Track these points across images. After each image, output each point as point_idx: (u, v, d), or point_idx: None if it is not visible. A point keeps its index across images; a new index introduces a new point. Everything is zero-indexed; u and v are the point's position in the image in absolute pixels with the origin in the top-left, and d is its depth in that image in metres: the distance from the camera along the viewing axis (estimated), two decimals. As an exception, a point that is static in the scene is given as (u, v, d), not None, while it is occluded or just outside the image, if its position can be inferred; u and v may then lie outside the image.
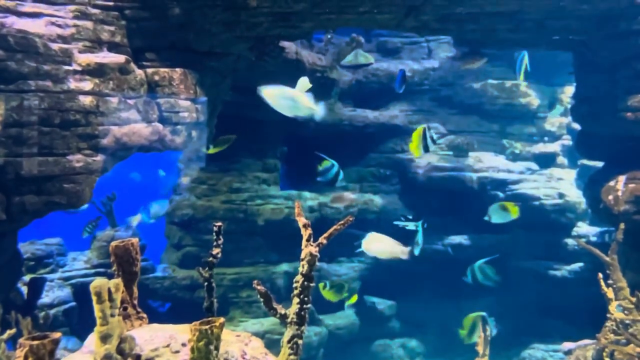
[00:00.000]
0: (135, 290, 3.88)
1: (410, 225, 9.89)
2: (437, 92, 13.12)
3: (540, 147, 12.67)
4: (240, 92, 9.87)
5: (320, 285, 9.42)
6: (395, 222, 10.18)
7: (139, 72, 7.18)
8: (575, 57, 9.69)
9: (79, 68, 6.55)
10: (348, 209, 11.71)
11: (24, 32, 6.22)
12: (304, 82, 7.82)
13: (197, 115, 7.74)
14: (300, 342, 3.52)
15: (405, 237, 8.63)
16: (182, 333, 3.49)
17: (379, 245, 8.05)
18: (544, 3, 7.83)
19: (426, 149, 8.67)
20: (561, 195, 11.44)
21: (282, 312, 3.60)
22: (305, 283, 3.52)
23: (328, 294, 9.47)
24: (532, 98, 12.86)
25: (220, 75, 8.66)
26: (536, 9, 7.98)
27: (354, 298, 10.06)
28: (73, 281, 10.00)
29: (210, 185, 11.40)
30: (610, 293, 6.39)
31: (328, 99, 12.08)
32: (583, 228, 11.48)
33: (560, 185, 11.77)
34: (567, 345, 8.38)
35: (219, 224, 4.21)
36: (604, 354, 6.43)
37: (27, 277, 9.20)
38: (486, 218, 9.66)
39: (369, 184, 12.58)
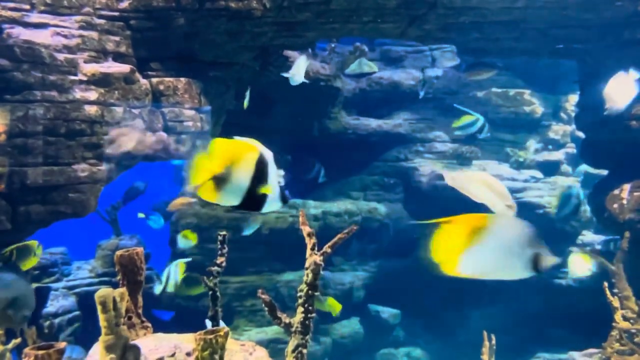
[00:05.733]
0: (140, 299, 3.88)
1: None
2: (441, 101, 13.11)
3: (545, 155, 12.65)
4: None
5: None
6: None
7: (144, 82, 7.22)
8: (579, 66, 9.69)
9: (84, 78, 6.59)
10: (352, 218, 11.70)
11: (30, 42, 6.27)
12: (302, 61, 7.95)
13: (201, 125, 7.77)
14: (304, 351, 3.52)
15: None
16: (187, 342, 3.49)
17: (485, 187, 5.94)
18: (547, 12, 7.85)
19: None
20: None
21: (287, 321, 3.59)
22: (310, 292, 3.52)
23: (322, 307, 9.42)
24: (536, 106, 12.85)
25: (225, 85, 8.70)
26: (540, 17, 8.00)
27: (338, 308, 9.94)
28: (77, 290, 9.99)
29: (214, 194, 11.40)
30: (615, 302, 6.36)
31: (331, 108, 12.13)
32: (588, 236, 11.44)
33: (564, 193, 11.73)
34: (573, 354, 8.34)
35: (224, 233, 4.21)
36: (610, 363, 6.40)
37: (32, 287, 9.21)
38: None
39: (372, 193, 12.58)
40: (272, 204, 2.77)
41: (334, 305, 9.33)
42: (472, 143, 12.34)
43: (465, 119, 9.23)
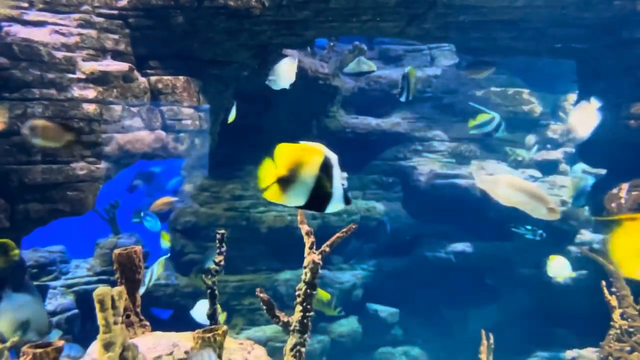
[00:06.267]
0: (138, 297, 3.88)
1: (529, 234, 9.90)
2: (440, 100, 13.12)
3: (543, 155, 12.66)
4: (243, 100, 9.90)
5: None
6: (514, 229, 10.18)
7: (143, 80, 7.21)
8: (578, 65, 9.70)
9: (82, 76, 6.59)
10: (351, 217, 11.71)
11: (28, 40, 6.27)
12: (285, 64, 7.38)
13: (200, 123, 7.77)
14: (303, 350, 3.52)
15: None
16: (185, 341, 3.50)
17: (513, 190, 5.44)
18: (546, 11, 7.86)
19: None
20: (564, 203, 11.42)
21: (285, 319, 3.60)
22: (308, 291, 3.53)
23: (317, 305, 9.42)
24: (535, 105, 12.86)
25: (224, 83, 8.69)
26: (538, 17, 8.00)
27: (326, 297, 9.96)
28: (76, 288, 9.99)
29: (212, 193, 11.40)
30: (613, 301, 6.37)
31: (330, 107, 12.13)
32: (586, 235, 11.44)
33: (563, 192, 11.74)
34: (571, 353, 8.35)
35: (222, 231, 4.22)
36: (608, 362, 6.40)
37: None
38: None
39: (371, 192, 12.58)
40: (335, 205, 2.87)
41: (322, 295, 9.34)
42: (483, 140, 12.34)
43: (481, 118, 9.22)
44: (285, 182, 2.75)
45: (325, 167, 2.79)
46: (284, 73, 7.19)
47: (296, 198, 2.79)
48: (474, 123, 9.16)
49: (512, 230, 10.10)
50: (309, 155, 2.79)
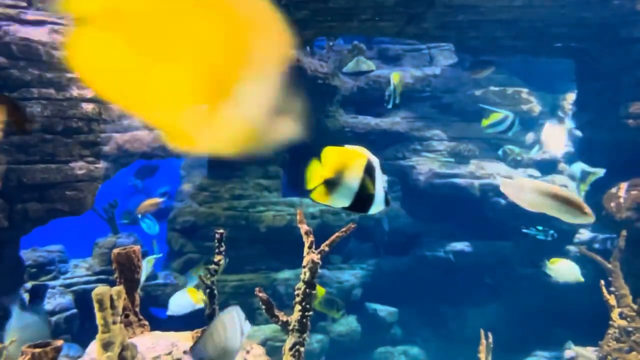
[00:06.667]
0: (137, 297, 3.88)
1: (540, 235, 9.89)
2: (439, 99, 13.13)
3: (542, 154, 12.67)
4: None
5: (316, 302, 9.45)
6: (524, 230, 10.18)
7: (142, 80, 7.21)
8: (576, 65, 9.70)
9: (81, 75, 6.58)
10: (350, 216, 11.71)
11: (27, 39, 6.26)
12: None
13: (199, 123, 7.76)
14: (302, 349, 3.52)
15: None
16: (184, 340, 3.50)
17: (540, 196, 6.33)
18: (545, 10, 7.86)
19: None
20: (563, 202, 11.42)
21: (284, 319, 3.60)
22: (307, 290, 3.53)
23: (320, 307, 9.46)
24: (534, 105, 12.86)
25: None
26: (537, 16, 8.01)
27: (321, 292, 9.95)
28: (75, 288, 9.98)
29: (212, 192, 11.40)
30: (612, 300, 6.38)
31: (329, 106, 12.13)
32: (585, 235, 11.46)
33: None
34: (570, 352, 8.36)
35: (221, 231, 4.22)
36: (607, 361, 6.41)
37: (29, 284, 9.20)
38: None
39: (370, 191, 12.59)
40: (377, 206, 3.00)
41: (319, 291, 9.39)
42: (482, 140, 12.34)
43: (495, 117, 9.21)
44: (331, 184, 2.89)
45: (369, 170, 2.91)
46: None
47: (341, 199, 2.92)
48: (488, 122, 9.14)
49: (523, 231, 10.10)
50: (354, 158, 2.92)
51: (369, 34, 11.55)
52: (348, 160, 2.90)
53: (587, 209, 4.99)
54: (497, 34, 8.62)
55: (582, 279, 7.79)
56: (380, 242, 12.35)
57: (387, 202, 2.99)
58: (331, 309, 9.63)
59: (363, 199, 2.93)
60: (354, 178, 2.88)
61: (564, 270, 8.52)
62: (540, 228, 10.08)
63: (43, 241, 10.39)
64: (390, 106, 10.40)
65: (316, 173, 2.87)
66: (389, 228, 12.33)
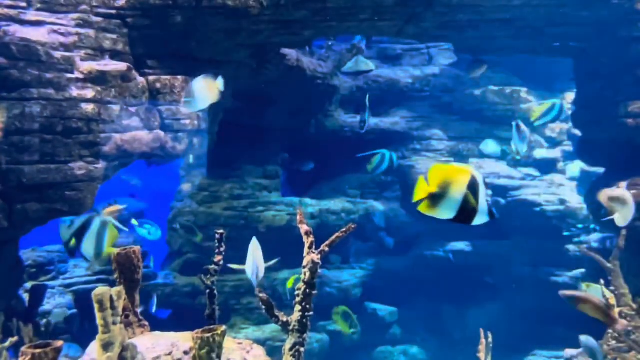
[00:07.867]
0: (137, 297, 3.88)
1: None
2: (438, 99, 13.12)
3: (541, 153, 12.67)
4: (242, 100, 9.90)
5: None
6: (567, 233, 10.32)
7: (141, 80, 7.20)
8: (575, 64, 9.70)
9: (81, 76, 6.58)
10: (349, 216, 11.71)
11: (26, 40, 6.25)
12: (207, 81, 6.37)
13: (198, 123, 7.76)
14: (302, 349, 3.52)
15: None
16: (184, 341, 3.50)
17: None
18: (544, 10, 7.86)
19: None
20: (562, 202, 11.43)
21: (284, 319, 3.60)
22: (307, 290, 3.53)
23: (336, 317, 9.60)
24: (533, 104, 12.86)
25: (222, 83, 8.69)
26: (536, 15, 8.01)
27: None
28: (74, 288, 9.98)
29: (211, 192, 11.40)
30: (612, 299, 6.37)
31: (329, 106, 12.14)
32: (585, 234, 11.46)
33: (561, 191, 11.75)
34: (569, 352, 8.36)
35: (221, 231, 4.22)
36: (606, 360, 6.41)
37: (28, 285, 9.20)
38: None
39: (370, 191, 12.59)
40: (481, 218, 3.29)
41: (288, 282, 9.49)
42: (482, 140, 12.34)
43: (542, 108, 9.23)
44: (436, 198, 3.22)
45: (472, 185, 3.21)
46: (202, 92, 6.30)
47: (446, 212, 3.25)
48: (537, 115, 9.14)
49: (565, 235, 10.18)
50: (458, 175, 3.24)
51: (368, 33, 11.56)
52: (452, 177, 3.21)
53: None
54: (496, 34, 8.62)
55: None
56: (374, 237, 12.32)
57: (491, 215, 3.27)
58: (345, 323, 9.69)
59: (467, 211, 3.23)
60: (457, 192, 3.20)
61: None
62: (580, 226, 10.15)
63: (43, 241, 10.39)
64: (363, 131, 10.61)
65: (421, 188, 3.21)
66: (389, 228, 12.33)
